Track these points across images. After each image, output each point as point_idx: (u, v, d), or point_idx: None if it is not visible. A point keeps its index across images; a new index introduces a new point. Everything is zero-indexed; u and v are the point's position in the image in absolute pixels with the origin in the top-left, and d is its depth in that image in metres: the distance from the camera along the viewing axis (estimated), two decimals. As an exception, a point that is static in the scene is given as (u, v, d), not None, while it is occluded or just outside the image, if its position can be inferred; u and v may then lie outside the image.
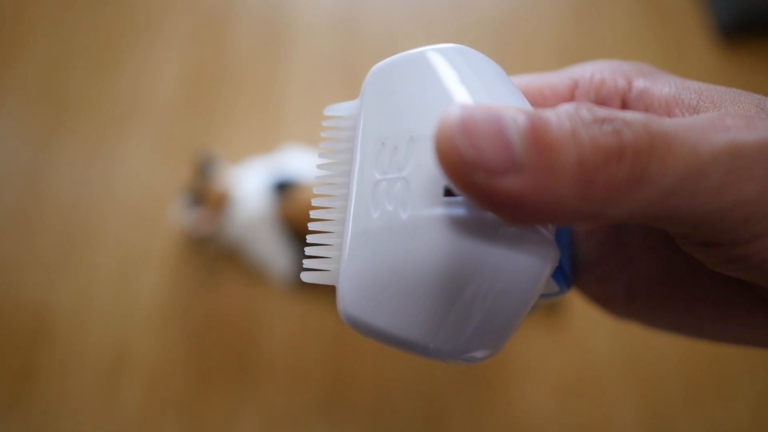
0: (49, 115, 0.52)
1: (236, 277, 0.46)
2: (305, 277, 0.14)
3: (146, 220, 0.48)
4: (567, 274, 0.17)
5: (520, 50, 0.55)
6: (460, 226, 0.11)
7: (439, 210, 0.12)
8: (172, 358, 0.44)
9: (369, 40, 0.55)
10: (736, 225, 0.11)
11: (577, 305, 0.45)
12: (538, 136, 0.10)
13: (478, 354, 0.12)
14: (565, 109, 0.11)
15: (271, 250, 0.44)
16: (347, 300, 0.12)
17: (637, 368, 0.44)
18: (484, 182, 0.10)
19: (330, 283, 0.13)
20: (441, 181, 0.12)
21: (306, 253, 0.14)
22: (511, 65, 0.54)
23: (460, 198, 0.12)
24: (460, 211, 0.11)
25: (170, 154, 0.51)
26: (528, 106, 0.13)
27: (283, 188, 0.44)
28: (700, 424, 0.42)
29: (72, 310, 0.45)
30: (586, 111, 0.11)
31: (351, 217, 0.13)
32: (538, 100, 0.16)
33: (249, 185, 0.45)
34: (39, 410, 0.43)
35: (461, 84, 0.13)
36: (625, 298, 0.18)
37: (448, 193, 0.12)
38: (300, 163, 0.46)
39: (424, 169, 0.12)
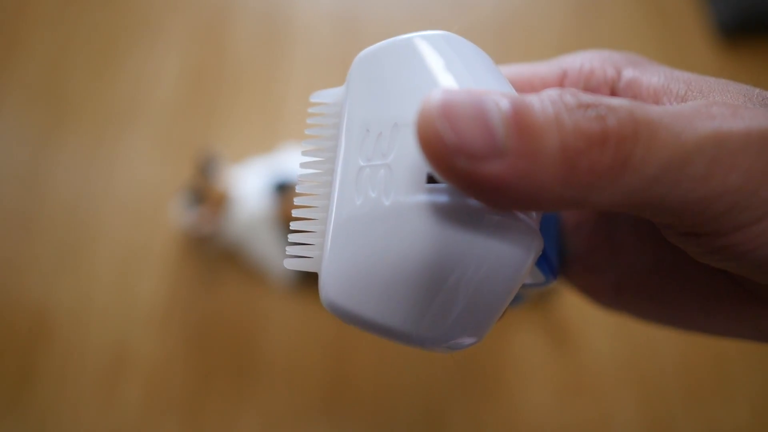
0: (49, 115, 0.52)
1: (236, 277, 0.46)
2: (288, 264, 0.13)
3: (146, 219, 0.48)
4: (553, 264, 0.17)
5: (521, 50, 0.55)
6: (443, 213, 0.11)
7: (421, 197, 0.11)
8: (172, 358, 0.44)
9: (369, 40, 0.55)
10: (720, 214, 0.11)
11: (577, 305, 0.45)
12: (520, 121, 0.10)
13: (461, 342, 0.12)
14: (549, 94, 0.10)
15: (271, 250, 0.44)
16: (329, 287, 0.12)
17: (637, 368, 0.44)
18: (466, 167, 0.10)
19: (313, 270, 0.13)
20: (424, 167, 0.12)
21: (289, 240, 0.14)
22: (511, 63, 0.54)
23: (443, 185, 0.11)
24: (442, 198, 0.11)
25: (170, 154, 0.51)
26: (513, 92, 0.13)
27: (283, 189, 0.44)
28: (700, 424, 0.42)
29: (72, 310, 0.45)
30: (571, 96, 0.10)
31: (334, 204, 0.13)
32: (527, 89, 0.16)
33: (249, 185, 0.45)
34: (38, 410, 0.43)
35: (447, 70, 0.12)
36: (613, 290, 0.18)
37: (431, 180, 0.12)
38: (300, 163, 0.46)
39: (408, 156, 0.12)
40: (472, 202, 0.11)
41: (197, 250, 0.47)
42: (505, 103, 0.10)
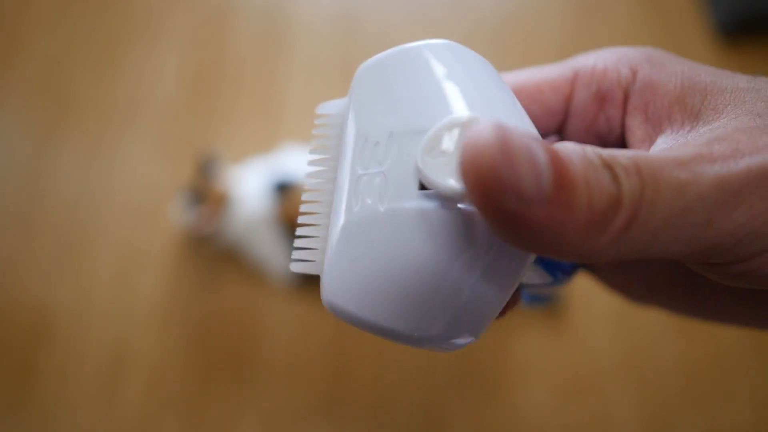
0: (48, 115, 0.52)
1: (236, 277, 0.46)
2: (293, 267, 0.14)
3: (146, 219, 0.48)
4: (565, 265, 0.17)
5: (521, 50, 0.55)
6: (435, 218, 0.11)
7: (414, 203, 0.12)
8: (172, 358, 0.44)
9: (369, 40, 0.55)
10: (730, 248, 0.11)
11: (577, 306, 0.45)
12: (560, 171, 0.10)
13: (458, 341, 0.12)
14: (573, 147, 0.11)
15: (271, 250, 0.44)
16: (330, 289, 0.13)
17: (637, 368, 0.44)
18: (512, 208, 0.09)
19: (315, 273, 0.14)
20: (416, 175, 0.12)
21: (294, 245, 0.14)
22: (511, 65, 0.54)
23: (433, 191, 0.12)
24: (434, 204, 0.12)
25: (170, 154, 0.51)
26: (520, 107, 0.13)
27: (283, 189, 0.44)
28: (700, 423, 0.42)
29: (72, 310, 0.45)
30: (592, 152, 0.11)
31: (335, 210, 0.13)
32: (536, 95, 0.16)
33: (249, 185, 0.45)
34: (39, 410, 0.43)
35: (445, 81, 0.12)
36: (645, 288, 0.18)
37: (422, 186, 0.12)
38: (300, 163, 0.46)
39: (402, 164, 0.12)
40: (464, 207, 0.11)
41: (197, 250, 0.47)
42: (543, 149, 0.10)
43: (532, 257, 0.12)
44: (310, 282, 0.46)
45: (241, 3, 0.57)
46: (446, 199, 0.11)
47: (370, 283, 0.12)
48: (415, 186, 0.12)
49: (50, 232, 0.48)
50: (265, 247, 0.44)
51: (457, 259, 0.11)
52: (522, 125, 0.12)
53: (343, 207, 0.13)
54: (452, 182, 0.11)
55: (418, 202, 0.12)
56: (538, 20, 0.56)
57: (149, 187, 0.49)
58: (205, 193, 0.44)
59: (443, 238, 0.11)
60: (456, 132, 0.11)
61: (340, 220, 0.13)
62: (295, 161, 0.46)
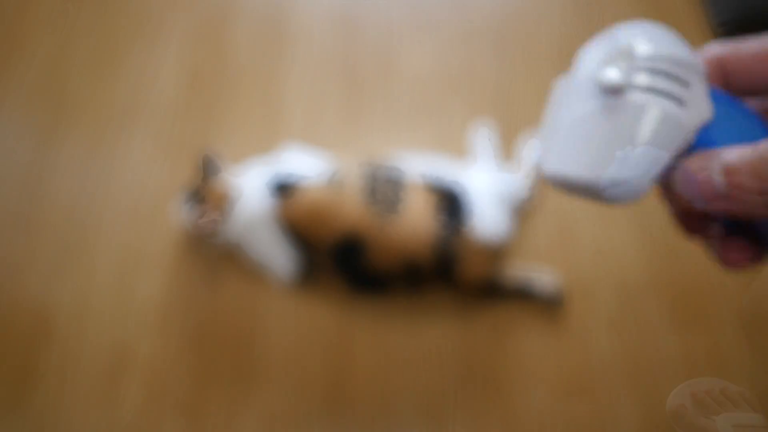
0: (49, 116, 0.52)
1: (236, 277, 0.46)
2: (540, 167, 0.20)
3: (146, 220, 0.48)
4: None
5: (521, 51, 0.55)
6: (609, 104, 0.18)
7: (596, 99, 0.19)
8: (172, 358, 0.44)
9: (368, 41, 0.55)
10: None
11: (577, 307, 0.45)
12: (735, 182, 0.16)
13: (630, 189, 0.18)
14: (754, 158, 0.16)
15: (271, 250, 0.44)
16: (545, 166, 0.19)
17: (637, 368, 0.44)
18: (702, 206, 0.17)
19: (542, 164, 0.20)
20: (598, 86, 0.19)
21: (537, 155, 0.21)
22: (511, 65, 0.54)
23: (608, 90, 0.18)
24: (606, 97, 0.18)
25: (170, 154, 0.51)
26: (698, 60, 0.19)
27: (284, 189, 0.44)
28: (700, 424, 0.42)
29: (71, 311, 0.45)
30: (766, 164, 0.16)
31: (556, 122, 0.21)
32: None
33: (249, 185, 0.45)
34: (38, 410, 0.43)
35: (623, 37, 0.19)
36: None
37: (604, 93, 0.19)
38: (300, 163, 0.46)
39: (592, 84, 0.20)
40: (628, 96, 0.18)
41: (197, 250, 0.47)
42: (720, 169, 0.17)
43: (690, 124, 0.18)
44: (310, 282, 0.46)
45: (241, 3, 0.57)
46: (613, 92, 0.18)
47: (569, 154, 0.19)
48: (598, 91, 0.19)
49: (50, 233, 0.48)
50: (265, 247, 0.44)
51: (623, 129, 0.18)
52: (685, 58, 0.18)
53: (558, 116, 0.20)
54: (613, 77, 0.18)
55: (598, 99, 0.19)
56: (538, 20, 0.56)
57: (149, 188, 0.49)
58: (205, 193, 0.44)
59: (614, 115, 0.18)
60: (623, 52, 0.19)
61: (558, 123, 0.20)
62: (295, 161, 0.46)
